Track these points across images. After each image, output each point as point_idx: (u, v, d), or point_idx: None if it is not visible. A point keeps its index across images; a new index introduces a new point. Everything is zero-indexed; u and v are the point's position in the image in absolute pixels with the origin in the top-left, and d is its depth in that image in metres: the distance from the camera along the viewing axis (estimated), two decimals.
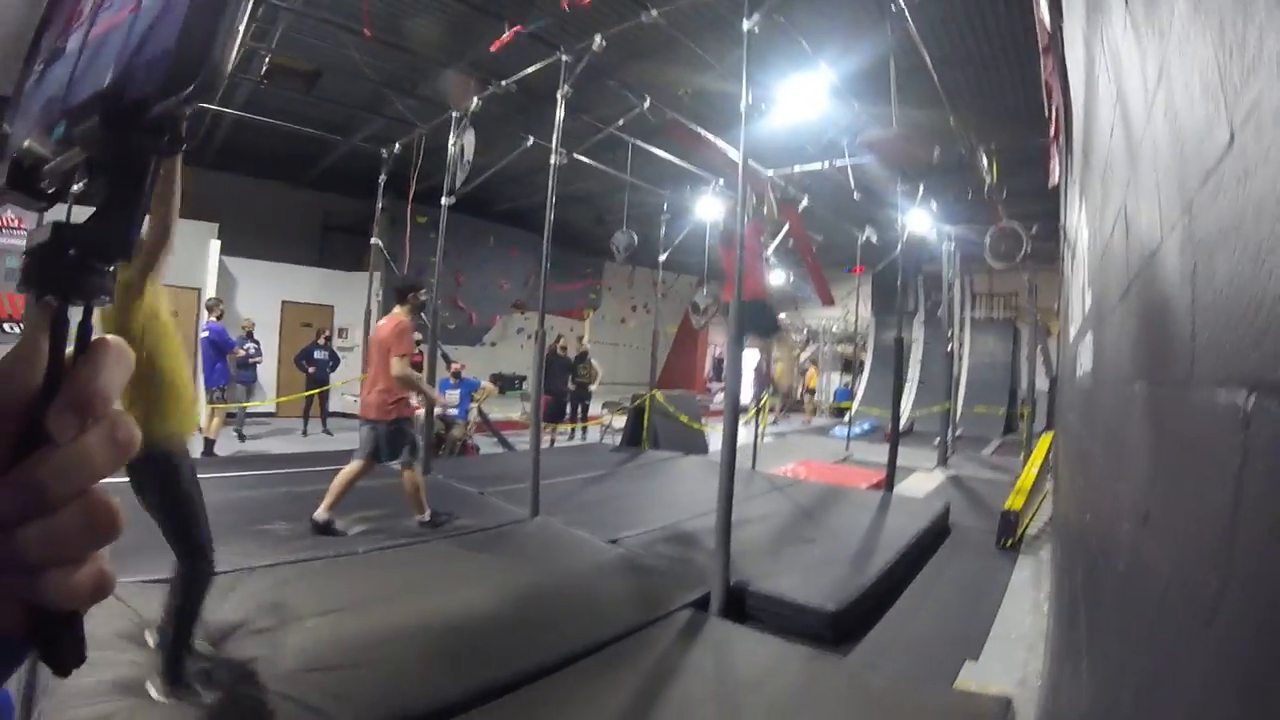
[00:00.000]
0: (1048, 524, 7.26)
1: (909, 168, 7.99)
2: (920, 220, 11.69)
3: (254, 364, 11.40)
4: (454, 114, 8.34)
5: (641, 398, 11.85)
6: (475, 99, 8.06)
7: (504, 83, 7.80)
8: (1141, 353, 1.28)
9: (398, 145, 10.16)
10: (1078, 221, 3.97)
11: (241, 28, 0.38)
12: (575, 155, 8.49)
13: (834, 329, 23.37)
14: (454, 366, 10.36)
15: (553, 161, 6.67)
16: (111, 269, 0.39)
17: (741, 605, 4.56)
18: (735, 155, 8.20)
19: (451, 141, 8.33)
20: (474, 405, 10.52)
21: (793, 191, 10.22)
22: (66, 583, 0.38)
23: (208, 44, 0.36)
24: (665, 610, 4.28)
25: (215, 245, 12.82)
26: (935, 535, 6.56)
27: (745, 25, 4.76)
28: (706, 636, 4.07)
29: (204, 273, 12.58)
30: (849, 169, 9.20)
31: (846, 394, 20.46)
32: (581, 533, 5.81)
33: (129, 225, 0.39)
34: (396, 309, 5.69)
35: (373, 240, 10.18)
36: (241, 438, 10.90)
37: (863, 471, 9.85)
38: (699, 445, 12.27)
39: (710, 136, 8.28)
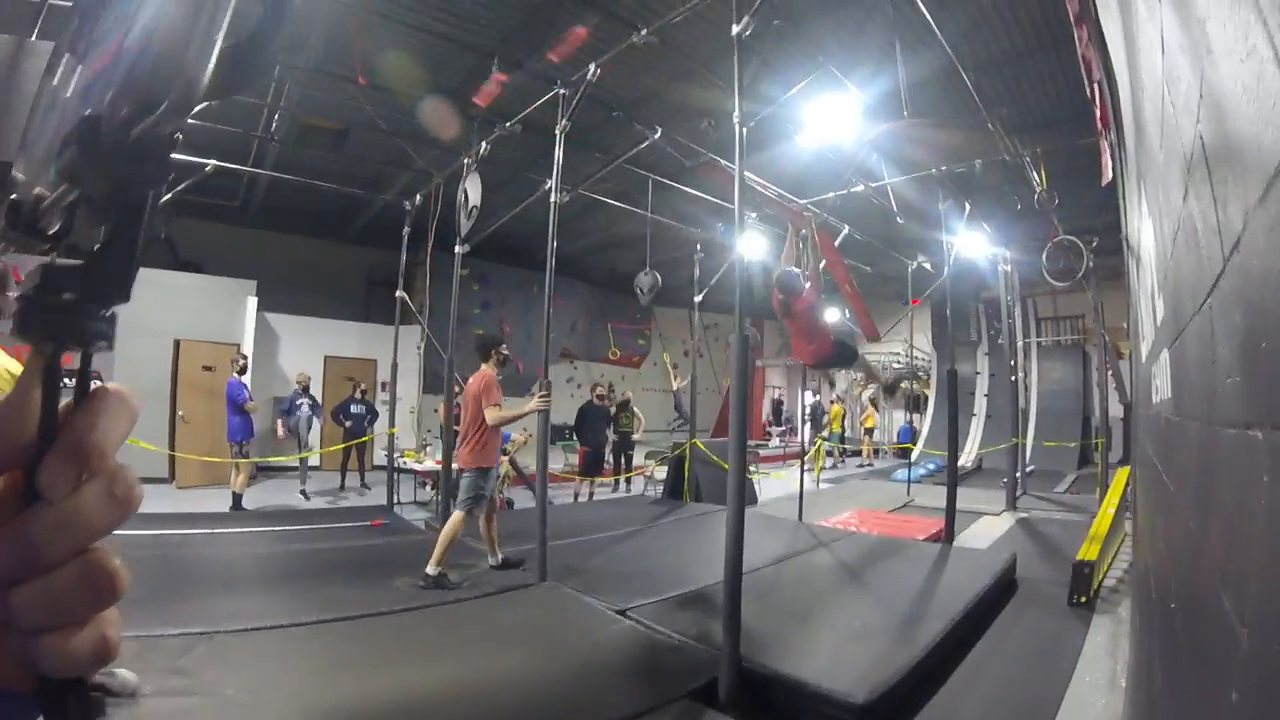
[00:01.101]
0: (1127, 572, 6.44)
1: (936, 156, 7.27)
2: (970, 241, 10.96)
3: (304, 417, 11.24)
4: (465, 160, 7.99)
5: (681, 447, 11.22)
6: (483, 144, 7.71)
7: (508, 124, 7.45)
8: (1222, 380, 1.02)
9: (419, 197, 9.84)
10: (1139, 221, 3.40)
11: (217, 44, 0.36)
12: (582, 191, 8.19)
13: (895, 365, 22.39)
14: None
15: (553, 199, 6.26)
16: (109, 313, 0.38)
17: (755, 693, 3.92)
18: (761, 185, 7.80)
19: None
20: (505, 458, 10.06)
21: (831, 221, 9.58)
22: (65, 647, 0.37)
23: (179, 62, 0.35)
24: (662, 700, 3.67)
25: (252, 302, 12.86)
26: (999, 593, 5.78)
27: (734, 30, 4.29)
28: None
29: (241, 329, 12.58)
30: (889, 190, 8.60)
31: (910, 433, 19.48)
32: (591, 600, 5.25)
33: (127, 265, 0.37)
34: (483, 366, 6.09)
35: (398, 293, 9.84)
36: (305, 495, 10.76)
37: (923, 521, 9.00)
38: (747, 496, 11.55)
39: (723, 163, 7.71)
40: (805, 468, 15.06)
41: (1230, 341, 0.98)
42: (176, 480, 10.93)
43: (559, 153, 6.22)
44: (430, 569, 5.52)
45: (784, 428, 25.61)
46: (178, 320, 11.36)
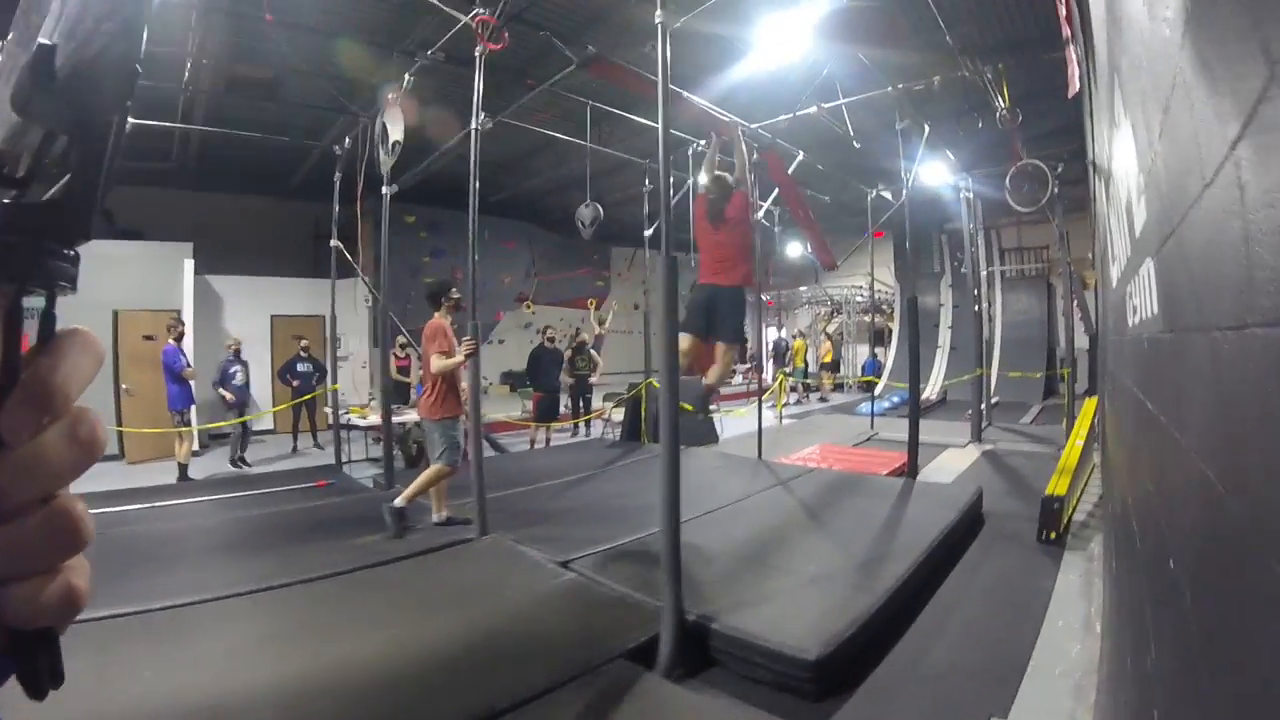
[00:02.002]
0: (1098, 506, 6.24)
1: (884, 41, 6.65)
2: (930, 169, 10.60)
3: (238, 385, 10.76)
4: (389, 96, 7.41)
5: (638, 388, 10.89)
6: (407, 76, 7.14)
7: (429, 53, 6.89)
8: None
9: (347, 140, 9.22)
10: (1110, 129, 3.05)
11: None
12: (509, 121, 7.75)
13: (859, 298, 22.15)
14: None
15: (473, 126, 5.75)
16: (73, 252, 0.37)
17: (702, 649, 3.64)
18: (712, 109, 7.32)
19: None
20: None
21: (784, 145, 9.10)
22: (31, 597, 0.36)
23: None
24: (596, 662, 3.35)
25: (189, 265, 12.30)
26: (965, 530, 5.55)
27: None
28: (639, 700, 3.12)
29: (179, 294, 12.06)
30: (845, 114, 8.16)
31: (875, 366, 19.30)
32: (533, 552, 4.95)
33: (88, 201, 0.36)
34: (435, 314, 5.92)
35: (332, 243, 9.27)
36: (239, 463, 10.36)
37: (887, 454, 8.80)
38: (708, 434, 11.31)
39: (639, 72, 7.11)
40: (767, 404, 14.94)
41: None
42: (127, 456, 10.54)
43: (479, 78, 5.71)
44: (398, 500, 5.59)
45: (749, 365, 25.42)
46: (115, 291, 10.85)
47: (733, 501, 6.32)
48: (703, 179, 5.90)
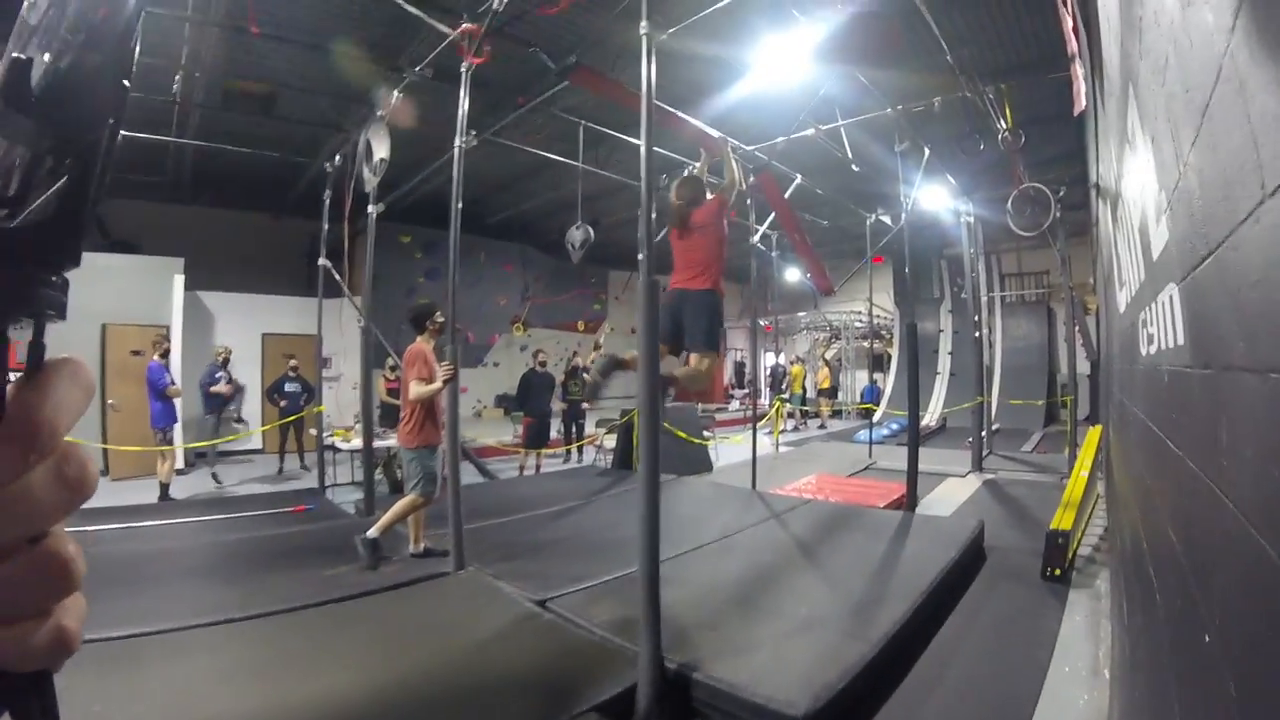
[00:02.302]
0: (1103, 539, 6.00)
1: (876, 57, 6.35)
2: (930, 193, 10.44)
3: (219, 395, 10.76)
4: (379, 114, 7.26)
5: (630, 413, 10.65)
6: (394, 93, 6.99)
7: (417, 69, 6.74)
8: None
9: (338, 158, 9.06)
10: (1120, 148, 2.88)
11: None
12: (499, 140, 7.62)
13: (858, 324, 21.96)
14: None
15: (457, 144, 5.57)
16: (59, 279, 0.36)
17: (682, 701, 3.38)
18: (703, 127, 7.15)
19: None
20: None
21: (779, 168, 8.94)
22: (21, 641, 0.35)
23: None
24: (569, 713, 3.10)
25: (179, 280, 12.11)
26: (965, 567, 5.29)
27: None
28: None
29: (169, 309, 11.88)
30: (844, 136, 7.99)
31: (874, 393, 19.08)
32: (511, 589, 4.69)
33: (75, 225, 0.35)
34: (418, 337, 5.74)
35: (321, 262, 9.06)
36: (216, 480, 10.22)
37: (885, 485, 8.52)
38: (702, 462, 11.07)
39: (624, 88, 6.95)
40: (764, 430, 14.67)
41: None
42: (111, 473, 10.36)
43: (464, 93, 5.56)
44: (371, 532, 5.37)
45: (747, 390, 25.24)
46: (103, 303, 10.75)
47: (723, 536, 6.07)
48: (672, 197, 5.39)
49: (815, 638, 3.78)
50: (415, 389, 5.44)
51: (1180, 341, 1.54)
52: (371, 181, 7.02)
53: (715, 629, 3.93)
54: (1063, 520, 5.38)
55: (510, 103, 9.10)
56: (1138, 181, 2.28)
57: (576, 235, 10.17)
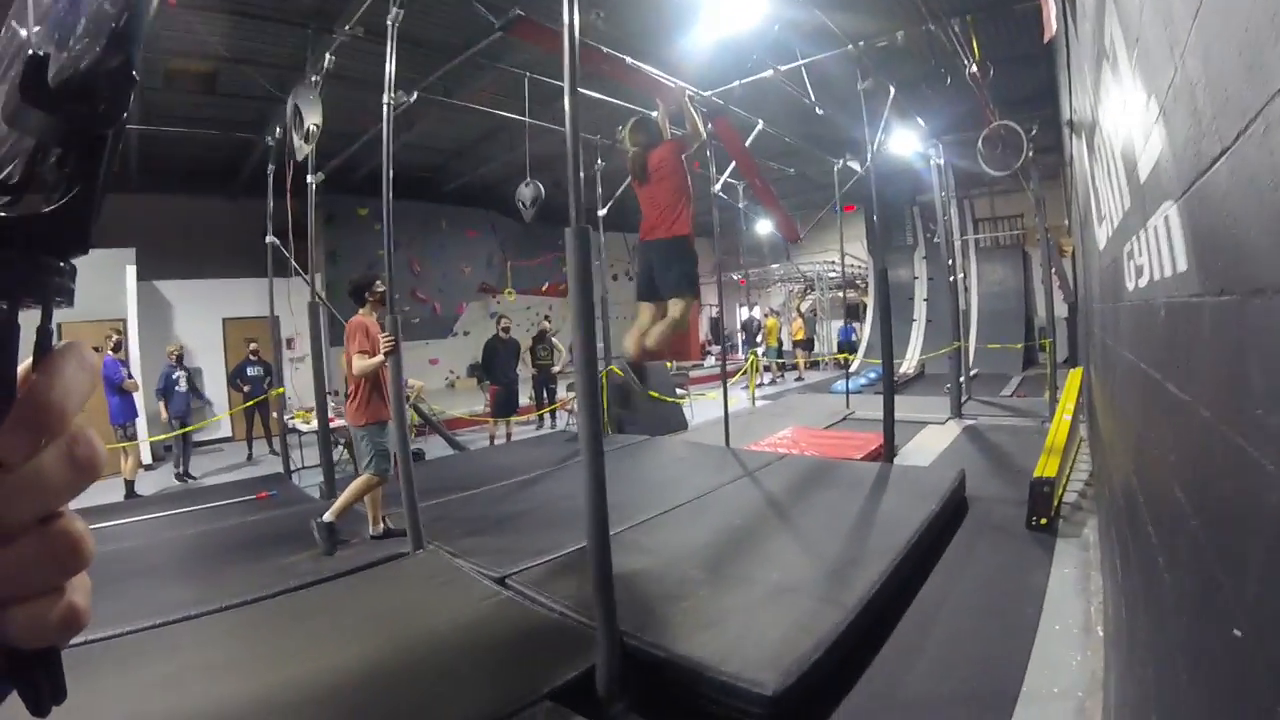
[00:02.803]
0: (1089, 484, 5.84)
1: None
2: (899, 137, 10.16)
3: (181, 393, 10.34)
4: (313, 78, 6.84)
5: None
6: (327, 55, 6.59)
7: (347, 28, 6.34)
8: None
9: (278, 130, 8.62)
10: (1094, 77, 2.73)
11: None
12: (434, 97, 7.20)
13: (831, 274, 21.70)
14: None
15: (385, 100, 5.24)
16: (67, 265, 0.37)
17: (645, 682, 3.17)
18: (662, 76, 6.80)
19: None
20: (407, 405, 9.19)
21: (739, 112, 8.56)
22: (33, 618, 0.36)
23: None
24: (522, 700, 2.89)
25: (131, 271, 11.70)
26: (947, 521, 5.10)
27: None
28: None
29: (123, 303, 11.48)
30: (805, 76, 7.62)
31: (850, 332, 18.90)
32: (470, 567, 4.51)
33: (85, 213, 0.36)
34: (359, 310, 5.49)
35: (268, 239, 8.66)
36: (183, 477, 9.91)
37: (863, 436, 8.31)
38: (676, 421, 10.85)
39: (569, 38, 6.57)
40: (740, 385, 14.49)
41: None
42: None
43: (390, 49, 5.17)
44: (326, 515, 5.24)
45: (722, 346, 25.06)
46: None
47: (694, 498, 5.85)
48: (626, 143, 5.25)
49: (788, 605, 3.56)
50: (358, 363, 5.25)
51: (1181, 268, 1.31)
52: (304, 149, 6.62)
53: (683, 600, 3.72)
54: (1046, 467, 5.20)
55: (447, 60, 8.67)
56: (1119, 101, 2.11)
57: (526, 193, 9.67)
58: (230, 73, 9.64)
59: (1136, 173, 1.77)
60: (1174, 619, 1.42)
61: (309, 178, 7.14)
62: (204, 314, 13.38)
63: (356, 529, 5.49)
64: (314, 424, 8.70)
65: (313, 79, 6.86)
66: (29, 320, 0.36)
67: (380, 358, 5.10)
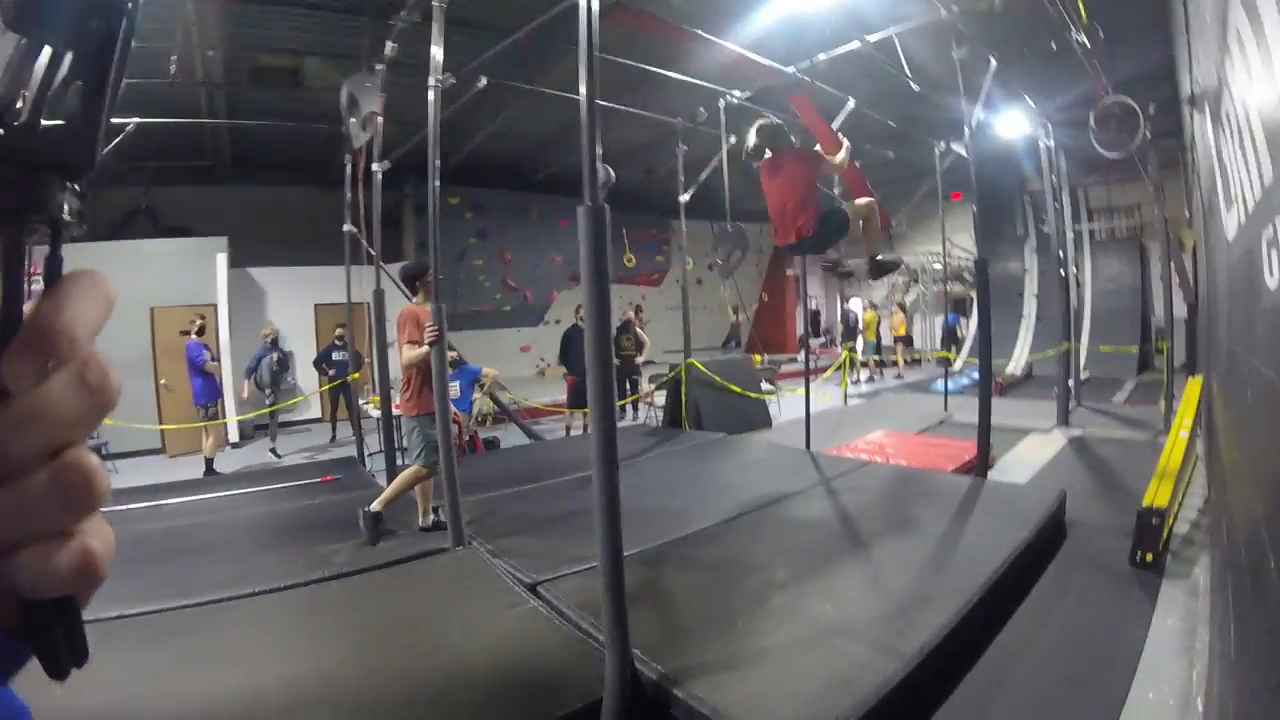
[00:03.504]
0: (1203, 513, 5.13)
1: None
2: (1007, 119, 9.40)
3: (273, 372, 10.84)
4: (377, 66, 6.72)
5: (678, 369, 9.99)
6: (388, 44, 6.43)
7: (403, 14, 6.16)
8: None
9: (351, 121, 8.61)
10: (1223, 34, 2.34)
11: None
12: (500, 80, 6.97)
13: (936, 266, 20.67)
14: (451, 355, 8.90)
15: (430, 83, 4.98)
16: (75, 185, 0.35)
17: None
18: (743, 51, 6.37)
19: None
20: (478, 396, 9.06)
21: (827, 90, 7.99)
22: (43, 563, 0.34)
23: None
24: None
25: (222, 259, 12.20)
26: (1040, 550, 4.48)
27: None
28: None
29: (214, 288, 12.04)
30: (898, 49, 7.00)
31: (956, 320, 17.92)
32: (506, 568, 4.29)
33: (91, 126, 0.35)
34: (412, 300, 5.50)
35: (345, 228, 8.59)
36: (275, 453, 10.35)
37: (958, 444, 7.61)
38: (759, 418, 10.37)
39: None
40: (833, 382, 13.89)
41: None
42: (168, 450, 10.80)
43: (436, 29, 4.93)
44: (373, 505, 5.13)
45: (823, 339, 24.39)
46: (150, 288, 11.07)
47: (757, 507, 5.39)
48: (750, 139, 5.56)
49: (835, 650, 3.08)
50: (406, 353, 5.13)
51: None
52: (361, 137, 6.50)
53: (717, 632, 3.31)
54: (1158, 495, 4.53)
55: (523, 52, 8.45)
56: (1258, 51, 1.60)
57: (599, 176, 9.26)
58: (313, 66, 9.93)
59: (1267, 163, 1.30)
60: None
61: (374, 166, 7.00)
62: (296, 300, 13.82)
63: (408, 519, 5.37)
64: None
65: (377, 67, 6.74)
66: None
67: (424, 349, 4.95)
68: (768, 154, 5.51)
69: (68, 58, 0.34)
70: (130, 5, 0.35)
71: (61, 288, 0.34)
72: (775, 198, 5.51)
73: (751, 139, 5.47)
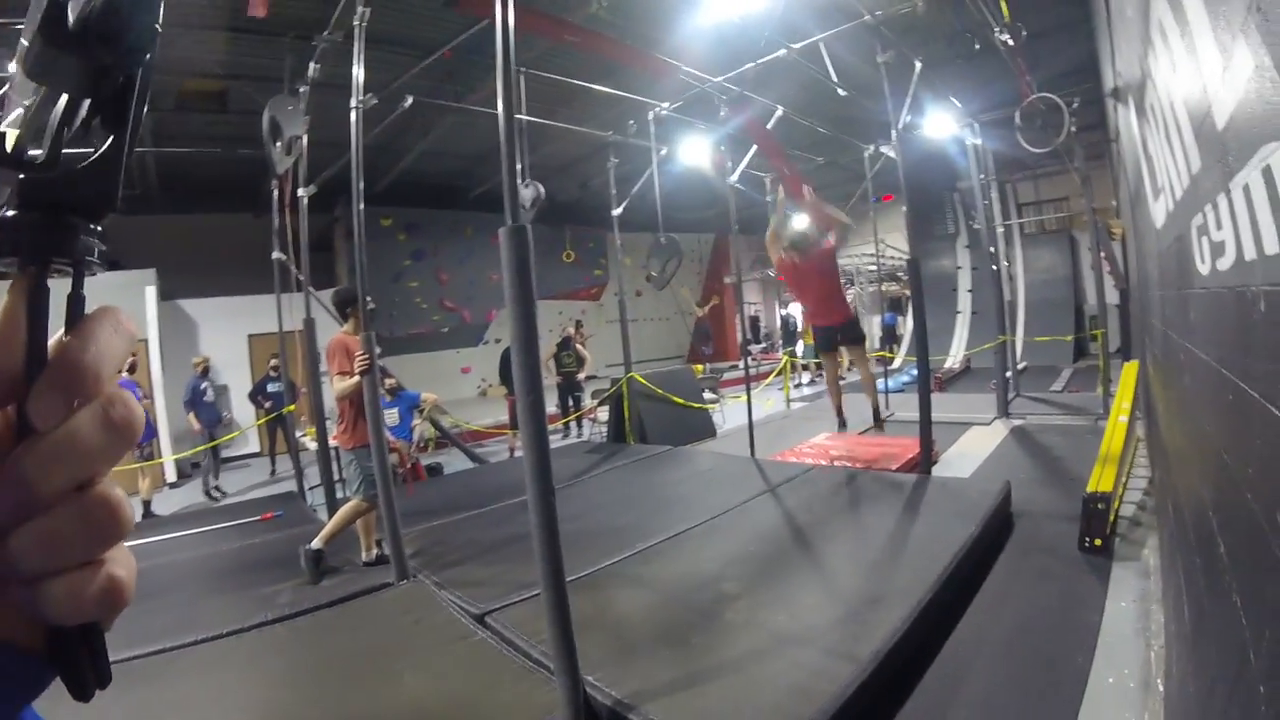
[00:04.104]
0: (1147, 493, 5.23)
1: None
2: (934, 119, 9.56)
3: (209, 404, 10.29)
4: (301, 88, 6.54)
5: (619, 383, 9.90)
6: (313, 65, 6.26)
7: (325, 34, 6.00)
8: None
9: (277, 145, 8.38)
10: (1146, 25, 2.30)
11: None
12: (425, 100, 6.78)
13: (870, 267, 20.99)
14: (389, 382, 8.66)
15: (353, 104, 4.83)
16: (98, 227, 0.37)
17: None
18: (679, 65, 6.36)
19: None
20: (418, 422, 8.84)
21: (762, 102, 8.05)
22: (72, 591, 0.35)
23: None
24: None
25: (151, 291, 11.73)
26: (988, 544, 4.50)
27: None
28: None
29: (143, 323, 11.49)
30: (824, 56, 7.05)
31: (894, 319, 18.18)
32: (453, 600, 4.16)
33: (114, 169, 0.36)
34: (341, 327, 5.24)
35: (274, 255, 8.32)
36: (214, 493, 9.85)
37: (902, 441, 7.65)
38: (704, 428, 10.34)
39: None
40: (775, 387, 13.93)
41: None
42: None
43: (357, 48, 4.79)
44: (314, 543, 4.94)
45: (763, 345, 24.52)
46: None
47: (705, 519, 5.34)
48: (787, 234, 6.47)
49: (791, 659, 3.02)
50: (338, 384, 4.96)
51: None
52: (285, 162, 6.29)
53: (671, 650, 3.25)
54: (1102, 480, 4.59)
55: (451, 68, 8.35)
56: (1181, 42, 1.63)
57: (526, 194, 8.88)
58: (239, 90, 9.62)
59: (1210, 119, 1.31)
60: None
61: (300, 191, 6.76)
62: (229, 331, 13.31)
63: (351, 555, 5.17)
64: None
65: (300, 89, 6.56)
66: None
67: (355, 379, 4.78)
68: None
69: (86, 102, 0.35)
70: (148, 56, 0.36)
71: (86, 326, 0.35)
72: (814, 289, 6.87)
73: (795, 232, 6.38)
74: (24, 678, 0.36)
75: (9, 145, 0.35)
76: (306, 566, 4.82)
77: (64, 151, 0.35)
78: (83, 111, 0.35)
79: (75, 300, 0.36)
